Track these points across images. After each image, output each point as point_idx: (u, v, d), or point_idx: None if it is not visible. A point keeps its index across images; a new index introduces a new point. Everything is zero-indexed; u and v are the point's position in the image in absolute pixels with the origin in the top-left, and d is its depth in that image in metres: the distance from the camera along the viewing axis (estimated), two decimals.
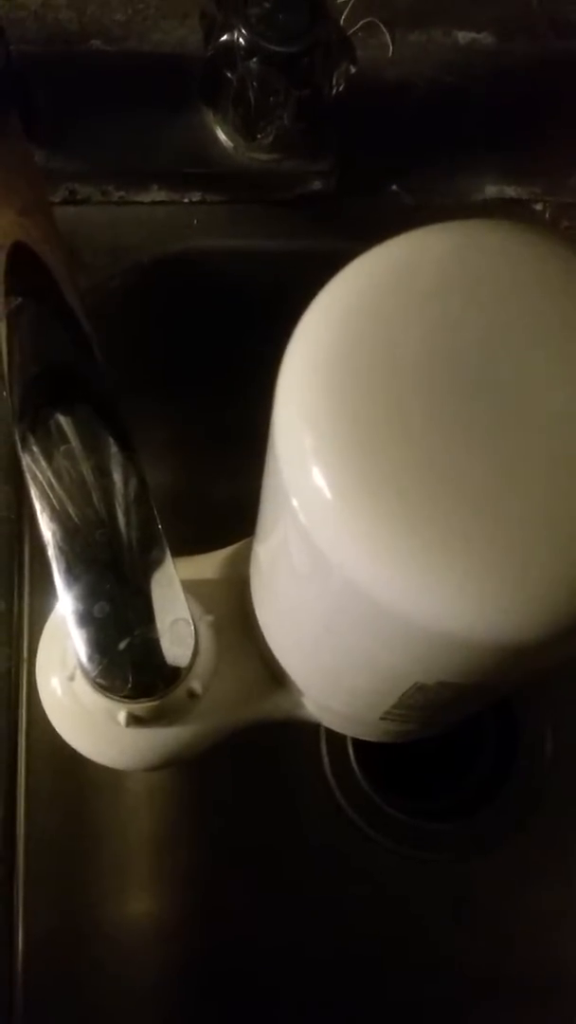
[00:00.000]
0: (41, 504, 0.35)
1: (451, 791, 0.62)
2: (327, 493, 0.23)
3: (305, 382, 0.24)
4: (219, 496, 0.59)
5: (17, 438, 0.36)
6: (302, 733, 0.59)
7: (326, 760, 0.59)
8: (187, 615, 0.34)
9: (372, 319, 0.24)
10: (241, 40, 0.46)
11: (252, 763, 0.58)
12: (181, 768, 0.58)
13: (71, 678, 0.35)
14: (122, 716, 0.34)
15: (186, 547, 0.39)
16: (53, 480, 0.36)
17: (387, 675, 0.29)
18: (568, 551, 0.23)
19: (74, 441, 0.36)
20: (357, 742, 0.59)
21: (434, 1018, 0.58)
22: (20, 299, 0.39)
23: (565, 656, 0.27)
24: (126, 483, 0.36)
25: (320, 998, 0.57)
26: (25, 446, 0.36)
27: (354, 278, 0.25)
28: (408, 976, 0.58)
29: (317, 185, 0.53)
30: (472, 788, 0.61)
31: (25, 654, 0.48)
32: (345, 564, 0.24)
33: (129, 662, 0.33)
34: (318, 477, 0.24)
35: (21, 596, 0.48)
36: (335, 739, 0.59)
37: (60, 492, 0.35)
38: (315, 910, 0.58)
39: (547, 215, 0.55)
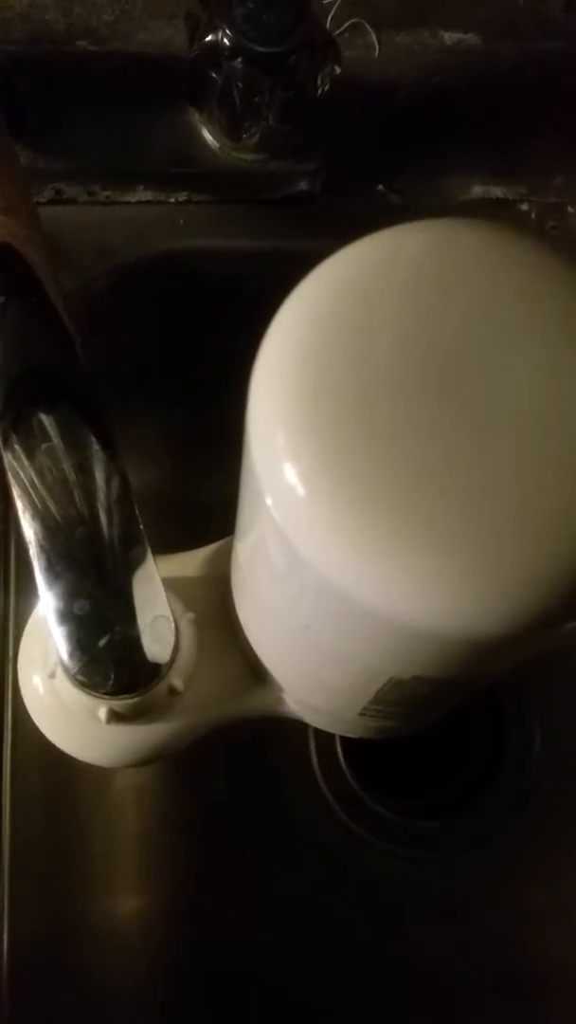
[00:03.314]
0: (23, 502, 0.35)
1: (440, 789, 0.62)
2: (300, 490, 0.24)
3: (278, 379, 0.24)
4: (202, 494, 0.59)
5: None
6: (290, 732, 0.59)
7: (315, 759, 0.59)
8: (168, 612, 0.34)
9: (345, 316, 0.24)
10: (226, 40, 0.46)
11: (241, 762, 0.59)
12: (169, 766, 0.58)
13: (52, 676, 0.35)
14: (103, 713, 0.34)
15: (169, 545, 0.39)
16: (35, 478, 0.36)
17: (363, 670, 0.29)
18: (539, 546, 0.23)
19: (56, 440, 0.36)
20: (346, 740, 0.60)
21: (424, 1016, 0.58)
22: (3, 298, 0.39)
23: (537, 650, 0.27)
24: (107, 481, 0.36)
25: (310, 997, 0.57)
26: (7, 445, 0.36)
27: (328, 275, 0.25)
28: (398, 973, 0.58)
29: (303, 185, 0.53)
30: (461, 786, 0.62)
31: (11, 653, 0.48)
32: (318, 560, 0.24)
33: (110, 659, 0.33)
34: (290, 474, 0.24)
35: (7, 595, 0.48)
36: (323, 737, 0.59)
37: (42, 490, 0.35)
38: (304, 908, 0.58)
39: (533, 215, 0.55)
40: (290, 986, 0.57)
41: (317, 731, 0.59)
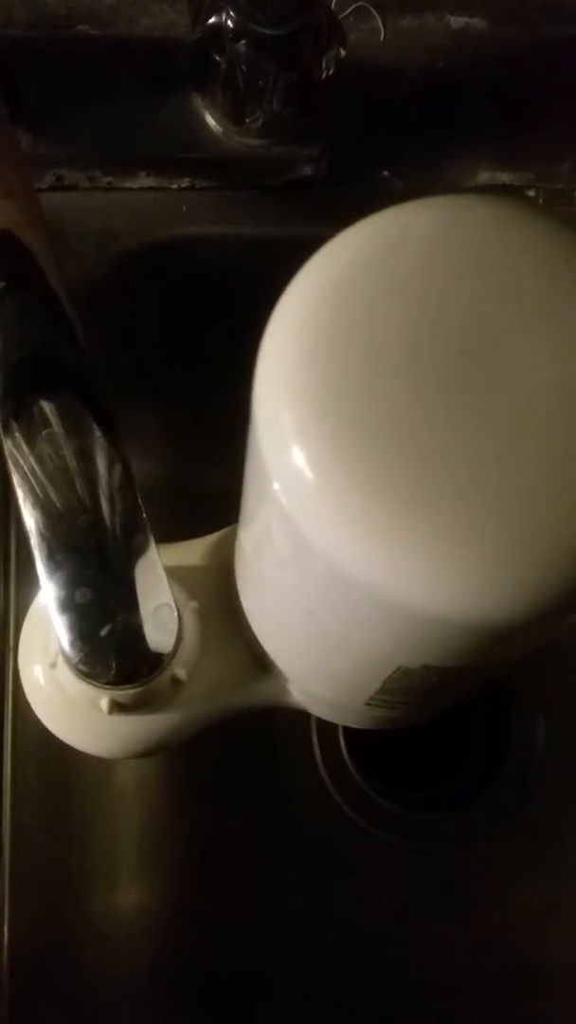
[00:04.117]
0: (23, 490, 0.35)
1: (443, 782, 0.61)
2: (308, 474, 0.23)
3: (285, 362, 0.24)
4: (205, 482, 0.59)
5: None
6: (293, 724, 0.59)
7: (317, 751, 0.59)
8: (171, 601, 0.34)
9: (353, 296, 0.24)
10: (230, 22, 0.46)
11: (243, 754, 0.58)
12: (171, 759, 0.57)
13: (53, 665, 0.35)
14: (105, 703, 0.34)
15: (171, 534, 0.39)
16: (36, 466, 0.35)
17: (371, 659, 0.28)
18: (552, 531, 0.22)
19: (57, 427, 0.36)
20: (349, 733, 0.59)
21: (426, 1011, 0.58)
22: (3, 284, 0.38)
23: (547, 639, 0.26)
24: (109, 469, 0.35)
25: (312, 992, 0.57)
26: (7, 432, 0.36)
27: (335, 255, 0.25)
28: (399, 967, 0.58)
29: (307, 170, 0.52)
30: (464, 778, 0.61)
31: (12, 643, 0.47)
32: (327, 546, 0.24)
33: (112, 648, 0.33)
34: (298, 458, 0.23)
35: (8, 584, 0.48)
36: (326, 730, 0.59)
37: (43, 478, 0.35)
38: (306, 901, 0.58)
39: (540, 201, 0.54)
40: (291, 980, 0.57)
41: (320, 723, 0.59)
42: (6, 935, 0.48)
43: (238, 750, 0.58)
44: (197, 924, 0.57)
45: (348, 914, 0.58)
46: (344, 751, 0.59)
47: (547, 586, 0.22)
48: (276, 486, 0.24)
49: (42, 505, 0.35)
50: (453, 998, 0.58)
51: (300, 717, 0.42)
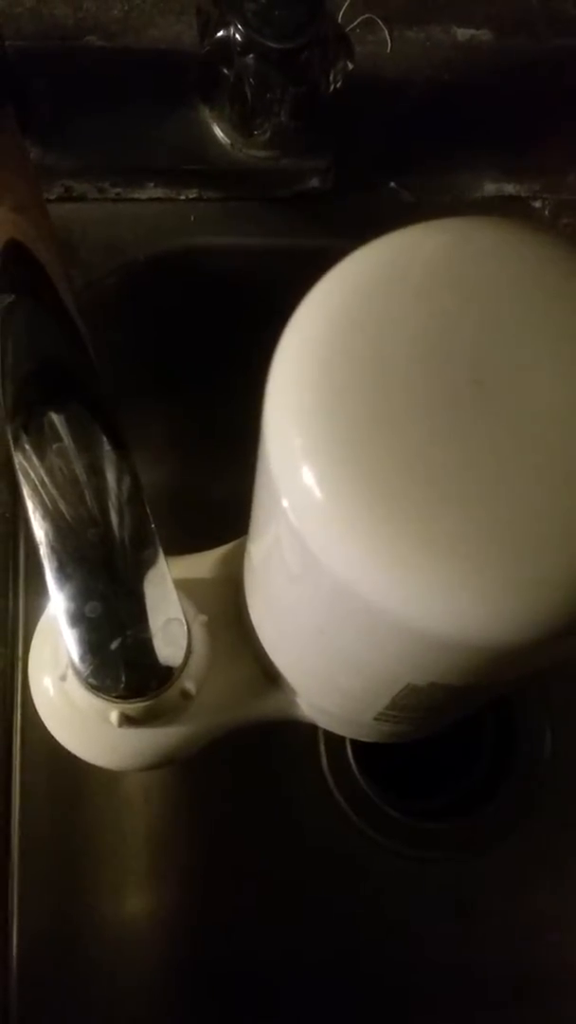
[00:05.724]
0: (33, 503, 0.35)
1: (450, 790, 0.61)
2: (317, 493, 0.23)
3: (295, 381, 0.24)
4: (215, 495, 0.59)
5: (10, 436, 0.36)
6: (300, 732, 0.59)
7: (324, 759, 0.59)
8: (180, 615, 0.34)
9: (363, 317, 0.24)
10: (238, 36, 0.46)
11: (250, 762, 0.58)
12: (178, 767, 0.57)
13: (63, 678, 0.35)
14: (114, 716, 0.34)
15: (181, 546, 0.39)
16: (46, 478, 0.35)
17: (379, 676, 0.28)
18: (560, 552, 0.22)
19: (67, 439, 0.36)
20: (356, 742, 0.59)
21: (431, 1017, 0.58)
22: (13, 296, 0.39)
23: (556, 657, 0.26)
24: (119, 482, 0.35)
25: (317, 997, 0.57)
26: (18, 444, 0.36)
27: (345, 276, 0.25)
28: (406, 975, 0.58)
29: (314, 182, 0.52)
30: (471, 787, 0.61)
31: (20, 653, 0.47)
32: (336, 565, 0.24)
33: (121, 662, 0.33)
34: (308, 477, 0.23)
35: (16, 595, 0.48)
36: (333, 738, 0.59)
37: (53, 491, 0.35)
38: (312, 909, 0.58)
39: (546, 212, 0.54)
40: (297, 986, 0.57)
41: (327, 731, 0.59)
42: (15, 940, 0.48)
43: (245, 757, 0.58)
44: (205, 930, 0.57)
45: (354, 921, 0.58)
46: (351, 760, 0.59)
47: (555, 607, 0.23)
48: (285, 503, 0.24)
49: (52, 517, 0.35)
50: (459, 1005, 0.58)
51: (308, 726, 0.42)
